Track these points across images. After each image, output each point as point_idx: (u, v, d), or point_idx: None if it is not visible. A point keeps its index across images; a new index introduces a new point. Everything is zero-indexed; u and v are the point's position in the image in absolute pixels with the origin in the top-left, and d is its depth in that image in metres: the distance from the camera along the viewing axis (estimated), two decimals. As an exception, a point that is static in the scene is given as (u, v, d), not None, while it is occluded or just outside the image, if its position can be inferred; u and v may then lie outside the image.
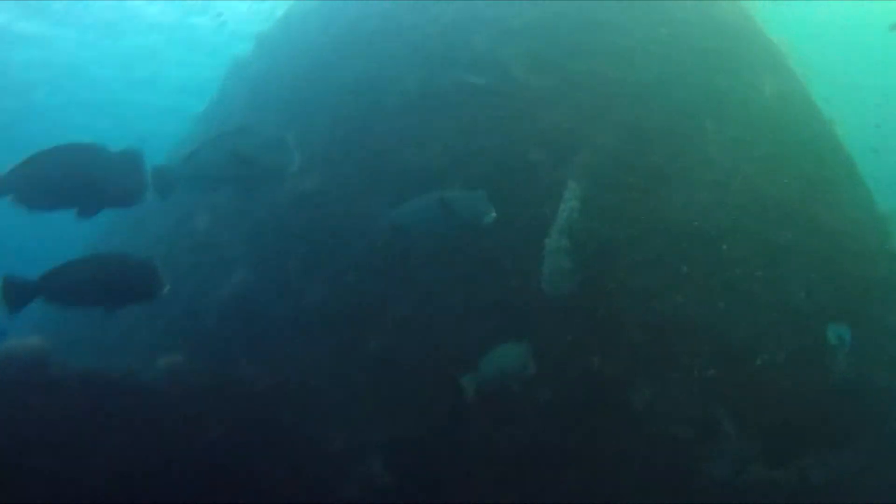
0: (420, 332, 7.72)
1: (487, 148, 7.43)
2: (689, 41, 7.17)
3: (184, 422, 8.08)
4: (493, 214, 6.45)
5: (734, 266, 6.85)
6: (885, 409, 6.59)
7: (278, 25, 10.71)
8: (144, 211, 11.30)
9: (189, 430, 8.05)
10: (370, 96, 8.46)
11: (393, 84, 8.20)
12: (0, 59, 19.05)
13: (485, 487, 6.72)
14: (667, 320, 6.82)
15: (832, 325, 6.78)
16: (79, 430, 7.02)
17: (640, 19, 7.39)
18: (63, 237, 12.45)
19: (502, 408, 6.93)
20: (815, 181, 6.90)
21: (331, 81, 8.90)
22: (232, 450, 7.51)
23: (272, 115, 9.64)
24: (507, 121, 7.30)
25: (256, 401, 8.59)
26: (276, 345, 8.97)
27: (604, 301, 6.85)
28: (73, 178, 6.94)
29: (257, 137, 7.12)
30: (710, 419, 6.69)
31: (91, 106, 22.76)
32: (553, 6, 7.60)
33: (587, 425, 6.84)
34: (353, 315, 8.34)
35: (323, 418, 8.02)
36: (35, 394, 7.01)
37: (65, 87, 21.35)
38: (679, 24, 7.30)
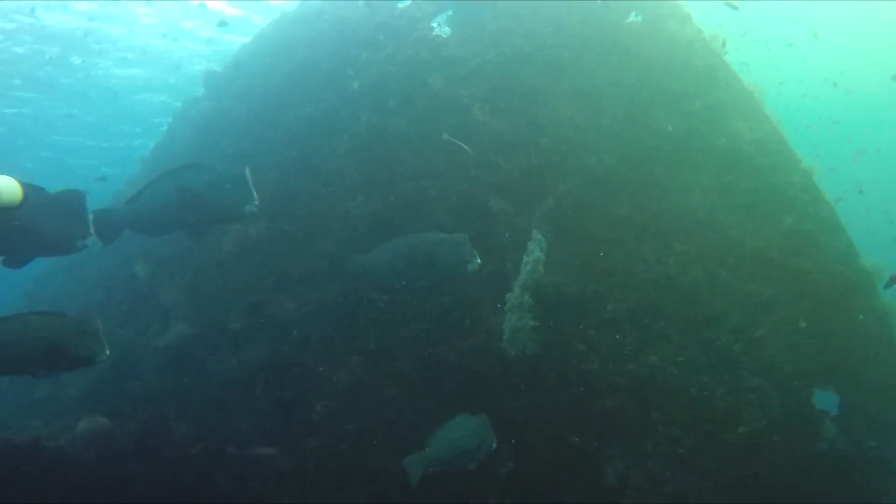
0: (369, 397, 7.03)
1: (444, 195, 6.86)
2: (659, 83, 6.72)
3: (102, 491, 7.29)
4: (478, 261, 5.84)
5: (712, 324, 6.30)
6: (879, 482, 6.01)
7: (230, 64, 10.14)
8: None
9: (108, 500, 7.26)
10: (321, 138, 7.89)
11: (345, 126, 7.63)
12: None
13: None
14: (641, 384, 6.23)
15: (818, 389, 6.23)
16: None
17: (605, 61, 6.94)
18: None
19: (459, 485, 6.24)
20: (796, 232, 6.41)
21: (280, 122, 8.32)
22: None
23: (218, 157, 9.01)
24: (465, 166, 6.74)
25: (188, 468, 7.82)
26: (213, 405, 8.21)
27: (572, 363, 6.24)
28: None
29: (210, 173, 6.47)
30: (689, 494, 6.07)
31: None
32: (514, 46, 7.13)
33: (555, 502, 6.18)
34: (297, 375, 7.65)
35: (261, 491, 7.25)
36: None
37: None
38: (647, 65, 6.85)
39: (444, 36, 7.77)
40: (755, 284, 6.29)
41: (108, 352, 5.91)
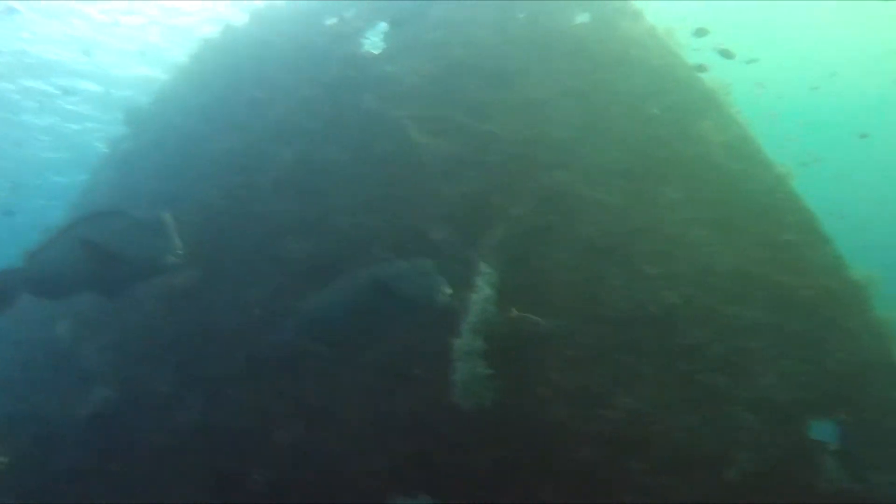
0: (311, 463, 6.18)
1: (381, 227, 6.07)
2: (614, 87, 6.03)
3: None
4: (449, 291, 5.02)
5: (691, 355, 5.56)
6: (890, 522, 5.28)
7: (155, 96, 9.33)
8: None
9: None
10: (246, 173, 7.08)
11: (270, 158, 6.84)
12: None
13: None
14: (616, 430, 5.44)
15: (815, 421, 5.50)
16: None
17: (554, 67, 6.23)
18: None
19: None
20: (776, 245, 5.73)
21: (201, 158, 7.50)
22: None
23: (140, 201, 8.17)
24: (403, 194, 5.97)
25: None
26: (141, 477, 7.29)
27: (536, 412, 5.44)
28: None
29: (124, 220, 5.61)
30: (680, 554, 5.28)
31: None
32: (453, 58, 6.40)
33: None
34: (233, 440, 6.77)
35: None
36: None
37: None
38: (600, 69, 6.16)
39: (376, 52, 7.03)
40: (737, 307, 5.58)
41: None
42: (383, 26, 7.18)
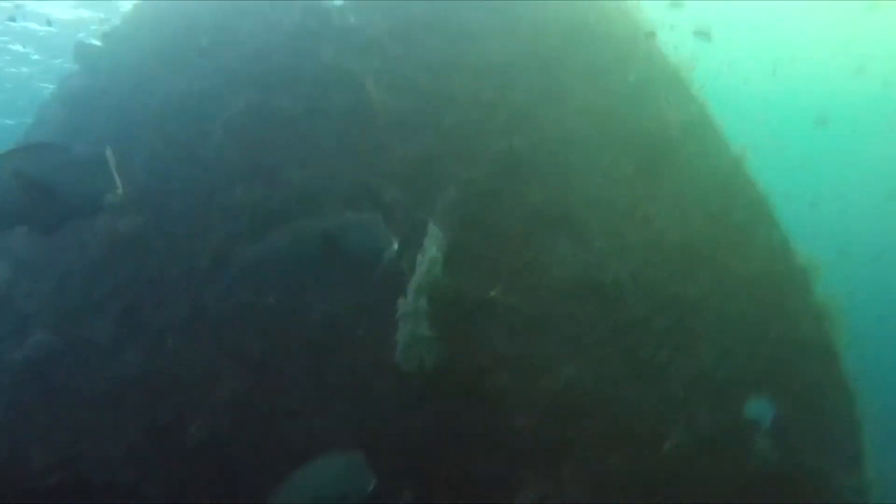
0: (250, 418, 6.10)
1: (331, 184, 5.94)
2: (577, 57, 5.93)
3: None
4: (395, 246, 4.90)
5: (635, 328, 5.58)
6: (816, 500, 5.40)
7: (106, 35, 8.94)
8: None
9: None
10: (196, 120, 6.85)
11: (222, 105, 6.62)
12: None
13: None
14: (556, 400, 5.45)
15: (751, 398, 5.58)
16: None
17: (517, 30, 6.11)
18: None
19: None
20: (726, 225, 5.75)
21: (152, 102, 7.24)
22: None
23: (87, 141, 7.88)
24: (355, 149, 5.84)
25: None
26: (76, 426, 7.12)
27: (476, 379, 5.41)
28: None
29: (61, 155, 5.32)
30: (611, 523, 5.34)
31: None
32: (414, 14, 6.23)
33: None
34: (172, 390, 6.65)
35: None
36: None
37: None
38: (565, 36, 6.06)
39: (339, 3, 6.82)
40: (682, 284, 5.60)
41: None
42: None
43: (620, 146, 5.74)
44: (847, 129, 30.78)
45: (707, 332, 5.58)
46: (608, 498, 5.38)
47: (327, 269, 5.16)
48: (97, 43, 9.11)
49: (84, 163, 5.26)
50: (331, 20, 6.49)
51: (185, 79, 6.99)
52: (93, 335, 7.29)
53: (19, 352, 7.61)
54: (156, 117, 7.22)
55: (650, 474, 5.46)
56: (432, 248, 5.18)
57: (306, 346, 6.04)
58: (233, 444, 6.28)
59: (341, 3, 6.79)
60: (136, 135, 7.36)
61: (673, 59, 6.12)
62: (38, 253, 8.15)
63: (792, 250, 5.76)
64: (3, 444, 7.52)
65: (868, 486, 5.70)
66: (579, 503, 5.32)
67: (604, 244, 5.61)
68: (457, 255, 5.38)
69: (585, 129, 5.80)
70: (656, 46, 6.05)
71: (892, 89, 27.35)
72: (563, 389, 5.43)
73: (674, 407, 5.51)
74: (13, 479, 7.13)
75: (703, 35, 8.70)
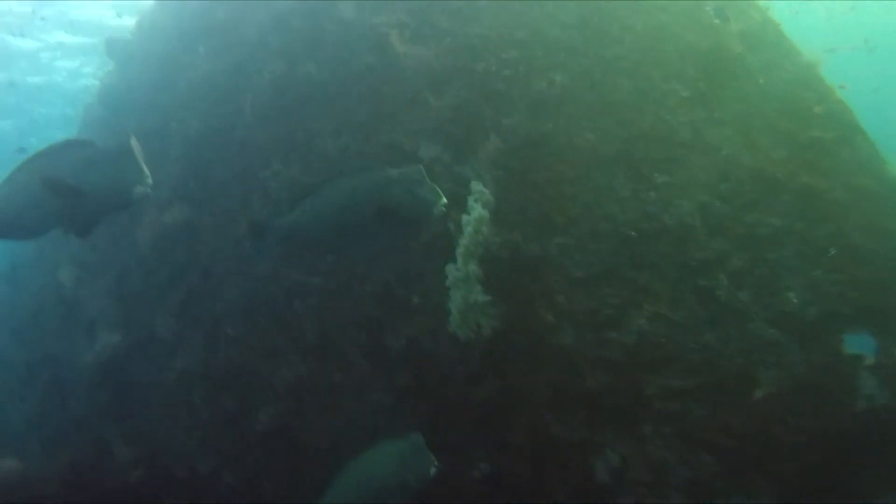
0: (316, 398, 5.93)
1: (368, 149, 5.60)
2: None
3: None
4: (444, 200, 4.46)
5: (709, 269, 5.06)
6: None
7: (133, 32, 8.83)
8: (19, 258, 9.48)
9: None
10: (226, 99, 6.62)
11: (250, 79, 6.35)
12: None
13: None
14: (629, 354, 5.02)
15: (849, 334, 4.99)
16: None
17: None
18: None
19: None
20: (803, 143, 5.11)
21: (179, 88, 7.04)
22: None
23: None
24: (387, 110, 5.46)
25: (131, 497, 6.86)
26: (151, 421, 7.17)
27: (541, 339, 5.03)
28: None
29: (85, 150, 5.11)
30: (703, 482, 4.91)
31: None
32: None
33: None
34: (236, 378, 6.56)
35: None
36: None
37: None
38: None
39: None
40: (759, 214, 5.03)
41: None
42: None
43: (673, 68, 5.15)
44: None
45: (791, 266, 5.00)
46: (697, 454, 4.95)
47: (377, 231, 4.70)
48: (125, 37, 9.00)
49: (109, 157, 5.04)
50: (348, -25, 6.08)
51: (208, 60, 6.74)
52: (155, 331, 7.28)
53: (91, 354, 7.69)
54: (184, 104, 7.05)
55: (742, 426, 4.98)
56: (476, 208, 4.78)
57: (362, 323, 5.79)
58: (300, 428, 6.15)
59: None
60: (169, 125, 7.22)
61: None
62: (96, 253, 8.19)
63: (884, 164, 5.08)
64: (87, 442, 7.66)
65: None
66: (665, 463, 4.92)
67: (666, 179, 5.08)
68: (506, 209, 4.97)
69: (631, 54, 5.24)
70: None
71: None
72: (635, 343, 4.99)
73: (760, 350, 4.99)
74: (101, 476, 7.25)
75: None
